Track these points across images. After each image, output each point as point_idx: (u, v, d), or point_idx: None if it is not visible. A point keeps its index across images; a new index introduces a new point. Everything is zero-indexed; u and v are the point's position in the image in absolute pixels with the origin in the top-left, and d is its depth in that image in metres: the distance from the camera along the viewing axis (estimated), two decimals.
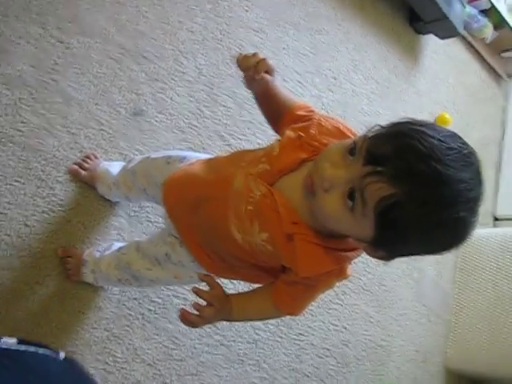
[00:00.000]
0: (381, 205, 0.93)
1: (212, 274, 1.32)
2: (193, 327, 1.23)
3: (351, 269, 1.19)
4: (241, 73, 1.23)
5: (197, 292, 1.19)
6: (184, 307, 1.18)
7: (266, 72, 1.21)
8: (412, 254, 1.07)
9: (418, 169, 0.91)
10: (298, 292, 1.20)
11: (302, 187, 1.08)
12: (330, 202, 1.01)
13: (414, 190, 0.91)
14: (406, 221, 0.93)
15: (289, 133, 1.20)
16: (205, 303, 1.20)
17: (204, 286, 1.21)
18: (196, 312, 1.18)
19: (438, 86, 3.30)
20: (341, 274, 1.17)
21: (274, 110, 1.29)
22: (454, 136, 0.98)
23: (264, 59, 1.20)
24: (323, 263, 1.12)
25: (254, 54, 1.21)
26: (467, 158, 0.95)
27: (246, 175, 1.19)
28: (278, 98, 1.27)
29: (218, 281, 1.24)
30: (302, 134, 1.18)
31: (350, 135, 1.16)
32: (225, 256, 1.31)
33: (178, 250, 1.40)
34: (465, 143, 0.98)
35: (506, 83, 3.87)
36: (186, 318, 1.18)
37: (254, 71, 1.19)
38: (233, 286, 2.07)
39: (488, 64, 3.70)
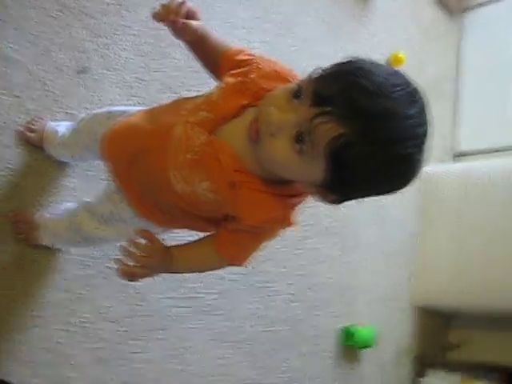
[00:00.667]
0: (331, 146, 0.92)
1: (155, 225, 1.32)
2: (133, 281, 1.21)
3: (296, 216, 1.17)
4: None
5: (135, 245, 1.16)
6: (122, 261, 1.16)
7: (189, 17, 1.18)
8: (363, 196, 1.06)
9: (366, 106, 0.91)
10: (241, 240, 1.19)
11: (247, 133, 1.06)
12: (277, 146, 1.00)
13: (363, 128, 0.91)
14: (355, 160, 0.93)
15: (228, 79, 1.18)
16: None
17: None
18: (135, 263, 1.17)
19: (390, 25, 3.25)
20: (285, 220, 1.16)
21: (209, 57, 1.27)
22: (398, 73, 0.98)
23: (182, 2, 1.17)
24: (267, 209, 1.12)
25: (169, 2, 1.17)
26: (413, 95, 0.96)
27: (185, 123, 1.17)
28: (210, 44, 1.25)
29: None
30: (241, 78, 1.16)
31: (289, 78, 1.15)
32: (166, 208, 1.30)
33: (119, 206, 1.39)
34: (409, 80, 0.98)
35: (459, 18, 3.85)
36: (126, 272, 1.17)
37: (174, 17, 1.16)
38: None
39: None
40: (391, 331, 2.98)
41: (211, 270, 1.35)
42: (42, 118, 1.77)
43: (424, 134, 0.97)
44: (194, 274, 1.92)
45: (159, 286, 2.01)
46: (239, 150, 1.11)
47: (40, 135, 1.74)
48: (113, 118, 1.44)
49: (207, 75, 2.02)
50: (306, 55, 2.67)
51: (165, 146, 1.19)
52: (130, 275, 1.18)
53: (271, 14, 2.59)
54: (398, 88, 0.93)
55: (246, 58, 1.21)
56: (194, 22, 1.19)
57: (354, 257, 2.81)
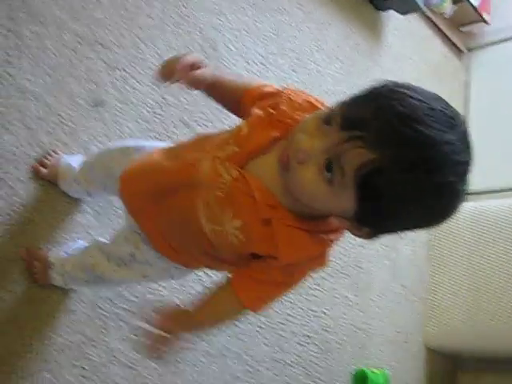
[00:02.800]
0: (360, 172, 0.86)
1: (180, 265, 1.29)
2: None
3: (329, 257, 1.11)
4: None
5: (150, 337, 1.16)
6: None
7: (194, 68, 1.16)
8: (399, 229, 1.00)
9: (400, 131, 0.84)
10: (265, 282, 1.11)
11: (278, 164, 0.99)
12: (306, 174, 0.93)
13: (396, 154, 0.84)
14: (389, 189, 0.86)
15: (257, 111, 1.11)
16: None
17: None
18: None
19: (401, 63, 3.26)
20: (322, 259, 1.09)
21: (229, 98, 1.23)
22: (437, 97, 0.91)
23: (179, 58, 1.15)
24: (305, 246, 1.04)
25: (169, 60, 1.17)
26: (451, 120, 0.88)
27: (213, 159, 1.10)
28: (226, 86, 1.21)
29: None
30: (272, 111, 1.09)
31: (323, 108, 1.08)
32: (191, 250, 1.24)
33: (141, 247, 1.31)
34: (448, 105, 0.91)
35: (466, 57, 3.86)
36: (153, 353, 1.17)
37: (178, 76, 1.14)
38: (208, 279, 2.02)
39: (448, 39, 3.68)
40: (404, 375, 2.91)
41: (228, 319, 1.28)
42: (56, 153, 1.71)
43: (465, 162, 0.89)
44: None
45: None
46: (271, 185, 1.04)
47: (54, 171, 1.67)
48: (127, 154, 1.39)
49: (223, 111, 1.99)
50: (317, 92, 2.64)
51: (191, 182, 1.12)
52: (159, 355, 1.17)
53: (286, 50, 2.57)
54: (436, 112, 0.86)
55: (274, 90, 1.16)
56: (200, 72, 1.16)
57: (367, 298, 2.75)
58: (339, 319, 2.58)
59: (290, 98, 1.10)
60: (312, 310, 2.45)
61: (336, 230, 1.07)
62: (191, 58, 1.16)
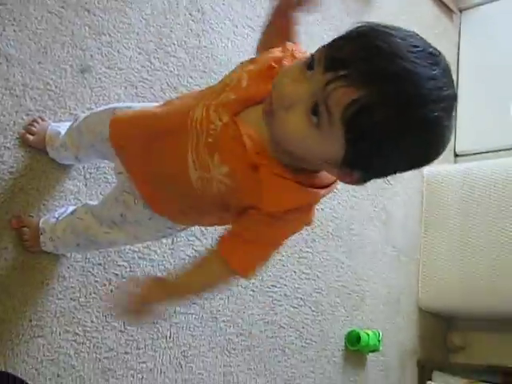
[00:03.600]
0: (347, 112, 0.85)
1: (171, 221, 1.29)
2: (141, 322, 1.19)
3: (315, 215, 1.11)
4: None
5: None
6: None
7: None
8: (389, 170, 0.98)
9: (383, 67, 0.84)
10: (254, 239, 1.11)
11: (262, 112, 0.99)
12: (292, 120, 0.92)
13: (381, 91, 0.84)
14: (377, 126, 0.86)
15: (260, 61, 1.12)
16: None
17: None
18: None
19: (390, 23, 3.23)
20: (307, 215, 1.09)
21: (273, 38, 1.21)
22: (417, 35, 0.91)
23: None
24: (291, 197, 1.04)
25: None
26: (434, 57, 0.88)
27: (206, 106, 1.10)
28: (289, 24, 1.20)
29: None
30: (274, 64, 1.08)
31: None
32: (179, 200, 1.24)
33: (133, 207, 1.31)
34: (428, 43, 0.90)
35: (457, 17, 3.84)
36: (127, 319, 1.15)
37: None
38: (199, 243, 2.02)
39: None
40: (396, 335, 2.95)
41: (216, 287, 1.27)
42: (43, 120, 1.70)
43: (449, 97, 0.89)
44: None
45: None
46: (262, 137, 1.03)
47: (41, 137, 1.66)
48: (115, 115, 1.38)
49: (211, 74, 1.98)
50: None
51: (183, 129, 1.12)
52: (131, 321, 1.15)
53: None
54: (418, 49, 0.86)
55: (283, 47, 1.14)
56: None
57: (359, 260, 2.77)
58: (331, 281, 2.60)
59: (293, 54, 1.09)
60: (304, 273, 2.46)
61: (325, 186, 1.07)
62: None
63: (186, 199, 1.21)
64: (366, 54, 0.85)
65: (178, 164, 1.14)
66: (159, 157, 1.21)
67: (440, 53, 0.90)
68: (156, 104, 1.33)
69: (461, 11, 3.86)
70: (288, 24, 1.20)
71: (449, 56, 0.91)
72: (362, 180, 0.98)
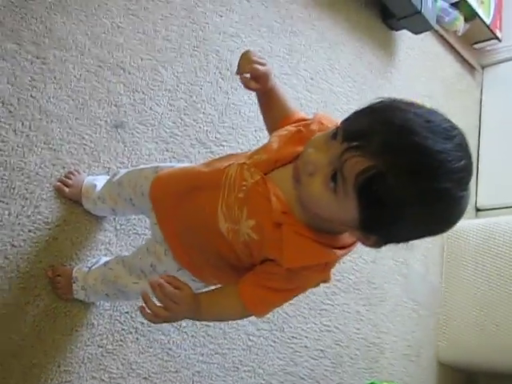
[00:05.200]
0: (359, 179, 0.93)
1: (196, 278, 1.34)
2: (155, 322, 1.19)
3: (332, 273, 1.17)
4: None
5: (162, 289, 1.13)
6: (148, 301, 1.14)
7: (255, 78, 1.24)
8: (404, 236, 1.05)
9: (394, 141, 0.91)
10: (269, 287, 1.16)
11: (291, 176, 1.07)
12: (313, 185, 1.01)
13: (392, 161, 0.91)
14: (387, 194, 0.93)
15: (289, 128, 1.21)
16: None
17: None
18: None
19: (414, 81, 3.30)
20: (326, 273, 1.15)
21: (275, 112, 1.31)
22: (434, 112, 0.98)
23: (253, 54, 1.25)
24: (310, 255, 1.10)
25: (247, 57, 1.25)
26: (447, 132, 0.94)
27: (241, 165, 1.19)
28: (279, 101, 1.31)
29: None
30: (302, 128, 1.18)
31: None
32: (205, 254, 1.30)
33: (163, 258, 1.38)
34: (445, 118, 0.97)
35: (479, 74, 3.89)
36: (149, 313, 1.14)
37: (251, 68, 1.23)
38: None
39: (461, 56, 3.71)
40: None
41: (231, 318, 1.33)
42: (78, 172, 1.78)
43: (462, 169, 0.94)
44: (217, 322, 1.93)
45: (187, 341, 1.98)
46: (288, 196, 1.11)
47: (76, 189, 1.74)
48: (157, 172, 1.45)
49: (239, 131, 2.06)
50: (330, 110, 2.70)
51: (218, 184, 1.20)
52: (153, 316, 1.15)
53: (300, 70, 2.63)
54: (431, 124, 0.93)
55: (308, 116, 1.25)
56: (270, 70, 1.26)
57: (379, 313, 2.78)
58: (351, 334, 2.62)
59: (320, 121, 1.19)
60: (325, 325, 2.48)
61: (346, 247, 1.14)
62: (261, 68, 1.25)
63: (211, 253, 1.27)
64: (377, 128, 0.93)
65: (208, 216, 1.22)
66: (191, 209, 1.28)
67: (456, 127, 0.97)
68: (196, 164, 1.42)
69: (483, 68, 3.91)
70: (270, 101, 1.32)
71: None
72: (379, 243, 1.05)
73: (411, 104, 0.98)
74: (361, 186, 0.93)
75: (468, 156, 0.97)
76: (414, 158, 0.91)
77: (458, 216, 0.99)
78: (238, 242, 1.18)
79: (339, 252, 1.13)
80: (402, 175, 0.91)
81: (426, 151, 0.91)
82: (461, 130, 0.97)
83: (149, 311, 1.13)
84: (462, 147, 0.96)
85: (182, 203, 1.30)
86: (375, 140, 0.92)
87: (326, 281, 1.19)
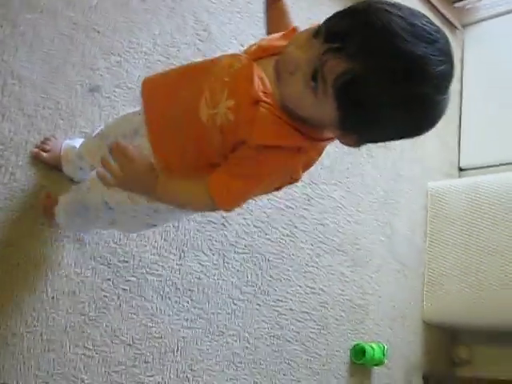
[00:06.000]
0: (338, 81, 0.94)
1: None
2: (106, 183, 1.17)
3: (301, 172, 1.18)
4: None
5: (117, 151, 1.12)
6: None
7: None
8: (382, 137, 1.09)
9: (375, 44, 0.91)
10: (237, 174, 1.14)
11: (273, 70, 1.07)
12: (294, 83, 1.02)
13: (370, 65, 0.91)
14: (365, 97, 0.94)
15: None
16: None
17: None
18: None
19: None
20: (294, 159, 1.14)
21: (277, 25, 1.30)
22: (420, 14, 0.96)
23: None
24: (281, 134, 1.09)
25: None
26: (430, 35, 0.93)
27: (232, 55, 1.18)
28: (284, 17, 1.32)
29: None
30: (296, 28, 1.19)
31: None
32: (181, 146, 1.25)
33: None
34: (431, 21, 0.96)
35: (460, 33, 3.86)
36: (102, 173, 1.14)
37: None
38: (207, 258, 2.06)
39: (442, 15, 3.68)
40: (401, 348, 2.94)
41: (192, 206, 1.28)
42: (55, 138, 1.74)
43: (443, 74, 0.94)
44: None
45: (171, 307, 1.97)
46: (272, 83, 1.10)
47: (55, 154, 1.71)
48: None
49: None
50: None
51: (207, 71, 1.18)
52: (103, 176, 1.14)
53: None
54: (414, 27, 0.91)
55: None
56: None
57: (363, 274, 2.78)
58: (336, 295, 2.62)
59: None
60: (309, 287, 2.48)
61: (324, 140, 1.15)
62: None
63: (188, 141, 1.23)
64: (359, 30, 0.92)
65: (191, 103, 1.18)
66: (178, 99, 1.23)
67: (439, 31, 0.96)
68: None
69: (464, 27, 3.88)
70: (279, 13, 1.32)
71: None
72: (359, 143, 1.07)
73: (396, 5, 0.96)
74: (339, 87, 0.94)
75: (449, 60, 0.96)
76: (393, 62, 0.91)
77: (437, 119, 1.00)
78: (216, 127, 1.14)
79: (311, 142, 1.13)
80: (380, 79, 0.92)
81: (406, 55, 0.90)
82: (444, 34, 0.97)
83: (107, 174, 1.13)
84: (444, 51, 0.95)
85: (171, 93, 1.24)
86: (355, 42, 0.92)
87: (295, 178, 1.19)
